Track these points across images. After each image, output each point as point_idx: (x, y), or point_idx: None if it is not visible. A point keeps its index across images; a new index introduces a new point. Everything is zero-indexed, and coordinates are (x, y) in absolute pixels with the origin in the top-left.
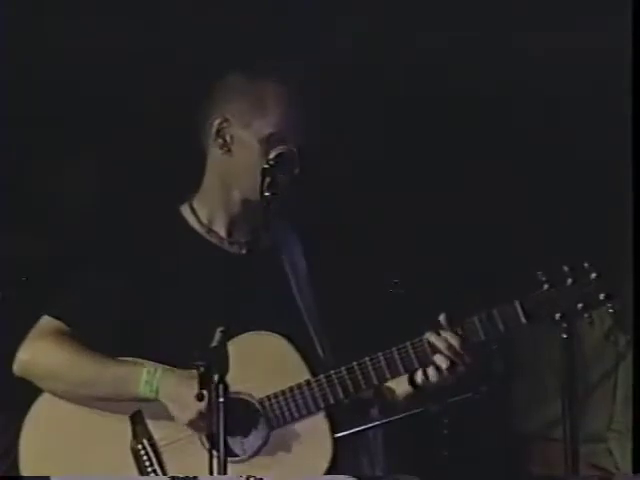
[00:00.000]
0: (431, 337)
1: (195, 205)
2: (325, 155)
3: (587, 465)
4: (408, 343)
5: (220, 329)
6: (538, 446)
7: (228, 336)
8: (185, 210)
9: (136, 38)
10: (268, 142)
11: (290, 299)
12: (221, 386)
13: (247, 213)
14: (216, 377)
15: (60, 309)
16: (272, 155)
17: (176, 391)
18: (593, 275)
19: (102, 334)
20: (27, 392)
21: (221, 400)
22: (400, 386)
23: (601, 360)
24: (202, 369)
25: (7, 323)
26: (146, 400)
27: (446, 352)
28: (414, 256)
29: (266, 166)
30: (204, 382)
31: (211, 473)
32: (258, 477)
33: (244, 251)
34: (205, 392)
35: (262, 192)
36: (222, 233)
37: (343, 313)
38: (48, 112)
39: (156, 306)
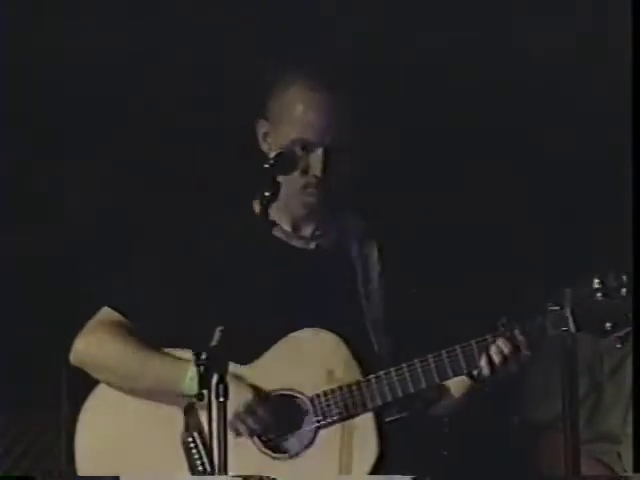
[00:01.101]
0: (486, 341)
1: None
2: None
3: (595, 461)
4: (458, 346)
5: (220, 328)
6: (539, 446)
7: (284, 330)
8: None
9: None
10: (295, 145)
11: (352, 295)
12: (221, 386)
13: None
14: (216, 377)
15: (120, 301)
16: (272, 155)
17: None
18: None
19: (161, 328)
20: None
21: (221, 400)
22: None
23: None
24: (202, 369)
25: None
26: (190, 396)
27: (498, 356)
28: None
29: (266, 166)
30: (204, 382)
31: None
32: (272, 477)
33: (312, 246)
34: (205, 392)
35: (263, 192)
36: (288, 228)
37: (409, 312)
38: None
39: (216, 301)
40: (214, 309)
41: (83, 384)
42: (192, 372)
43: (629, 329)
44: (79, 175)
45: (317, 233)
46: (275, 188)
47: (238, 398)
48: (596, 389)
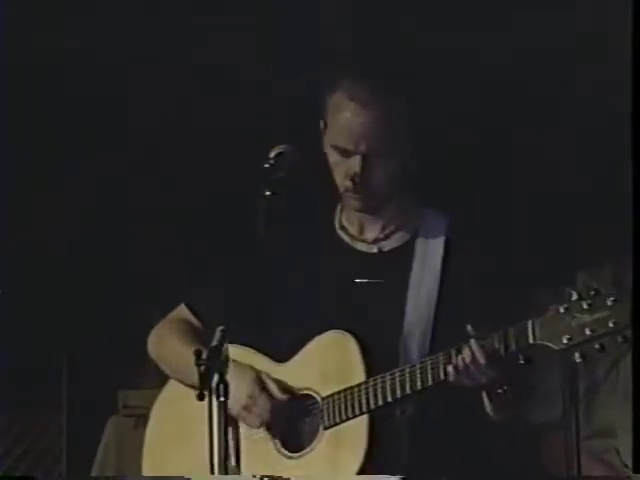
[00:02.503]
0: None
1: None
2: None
3: (596, 459)
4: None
5: (220, 328)
6: (540, 446)
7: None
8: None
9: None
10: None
11: (398, 302)
12: (221, 386)
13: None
14: (216, 376)
15: (195, 300)
16: (272, 154)
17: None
18: (609, 301)
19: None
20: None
21: (222, 399)
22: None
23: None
24: (202, 368)
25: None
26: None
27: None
28: None
29: (266, 165)
30: (204, 382)
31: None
32: (276, 476)
33: (375, 250)
34: (205, 392)
35: (264, 192)
36: (353, 231)
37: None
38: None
39: (277, 303)
40: (280, 312)
41: (83, 384)
42: None
43: (588, 344)
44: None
45: (380, 237)
46: (276, 188)
47: (243, 384)
48: (592, 386)
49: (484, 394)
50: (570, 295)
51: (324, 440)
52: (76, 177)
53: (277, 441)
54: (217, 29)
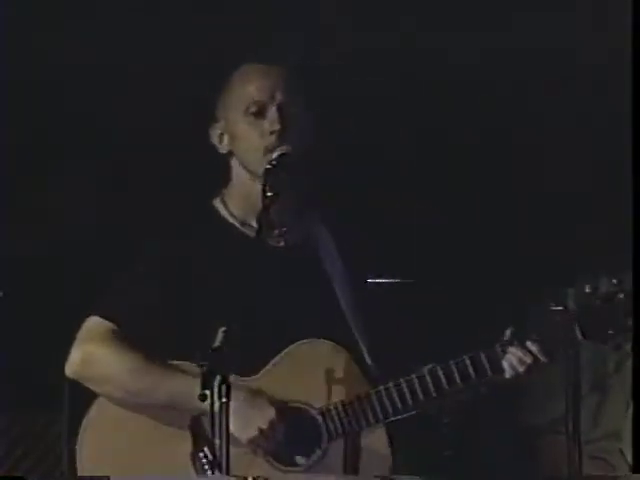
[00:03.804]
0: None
1: (226, 199)
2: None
3: (598, 460)
4: (465, 356)
5: (222, 329)
6: (540, 446)
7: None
8: (217, 204)
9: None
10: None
11: (332, 298)
12: (224, 387)
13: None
14: (218, 377)
15: (109, 310)
16: (274, 155)
17: (238, 408)
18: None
19: (149, 334)
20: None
21: (224, 401)
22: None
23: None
24: (205, 369)
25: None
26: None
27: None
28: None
29: (268, 167)
30: (207, 383)
31: None
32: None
33: (282, 243)
34: (207, 393)
35: (264, 193)
36: (255, 225)
37: (381, 317)
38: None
39: (194, 303)
40: (193, 311)
41: (84, 385)
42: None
43: (629, 333)
44: (76, 178)
45: (283, 232)
46: (277, 189)
47: (251, 421)
48: (599, 388)
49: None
50: (607, 285)
51: (334, 453)
52: (76, 177)
53: (269, 457)
54: (217, 29)
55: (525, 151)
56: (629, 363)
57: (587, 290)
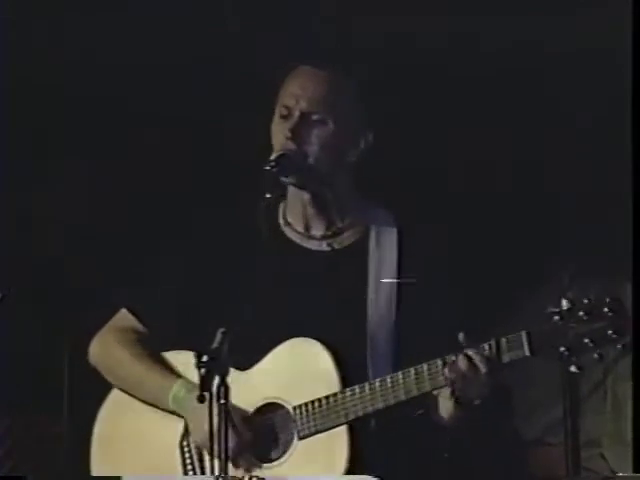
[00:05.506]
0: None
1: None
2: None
3: (582, 470)
4: (425, 364)
5: (221, 330)
6: (538, 450)
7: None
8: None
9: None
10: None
11: (357, 303)
12: (222, 388)
13: (320, 209)
14: (217, 379)
15: (136, 304)
16: (273, 157)
17: (194, 412)
18: (606, 310)
19: (175, 334)
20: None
21: (222, 402)
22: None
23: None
24: (203, 371)
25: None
26: (178, 414)
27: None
28: None
29: (267, 167)
30: (205, 384)
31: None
32: (261, 478)
33: (325, 247)
34: (206, 394)
35: (264, 193)
36: (300, 228)
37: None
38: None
39: (228, 303)
40: (227, 311)
41: (83, 385)
42: (175, 391)
43: (587, 353)
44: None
45: (329, 234)
46: (277, 189)
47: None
48: (581, 396)
49: (452, 400)
50: (568, 303)
51: (302, 450)
52: (76, 177)
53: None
54: (217, 29)
55: (524, 151)
56: (616, 368)
57: (547, 310)
